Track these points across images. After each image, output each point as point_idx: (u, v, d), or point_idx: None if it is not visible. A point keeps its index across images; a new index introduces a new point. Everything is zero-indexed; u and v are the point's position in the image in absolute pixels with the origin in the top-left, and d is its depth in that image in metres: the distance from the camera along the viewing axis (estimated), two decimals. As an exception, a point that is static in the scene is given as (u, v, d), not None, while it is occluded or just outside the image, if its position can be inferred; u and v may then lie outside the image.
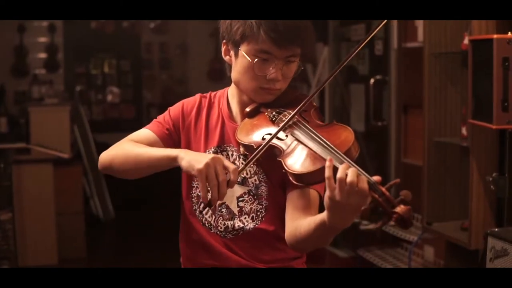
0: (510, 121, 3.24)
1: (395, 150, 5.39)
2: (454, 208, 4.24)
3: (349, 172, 1.75)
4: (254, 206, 2.22)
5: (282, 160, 2.00)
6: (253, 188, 2.22)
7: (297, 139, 2.02)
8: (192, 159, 2.02)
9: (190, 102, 2.37)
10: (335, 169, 1.78)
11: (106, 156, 2.30)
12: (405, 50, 5.19)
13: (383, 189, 1.74)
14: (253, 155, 2.04)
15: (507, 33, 3.25)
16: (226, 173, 1.98)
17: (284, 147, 2.03)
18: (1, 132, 6.01)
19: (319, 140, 1.96)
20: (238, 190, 2.23)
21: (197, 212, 2.29)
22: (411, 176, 5.12)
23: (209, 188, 1.97)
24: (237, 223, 2.23)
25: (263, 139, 2.07)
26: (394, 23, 5.24)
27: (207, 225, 2.27)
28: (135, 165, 2.22)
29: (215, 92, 2.40)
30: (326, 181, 1.78)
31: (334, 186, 1.77)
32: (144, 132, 2.34)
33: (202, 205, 2.25)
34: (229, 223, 2.24)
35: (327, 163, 1.79)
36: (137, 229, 7.02)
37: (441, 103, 4.20)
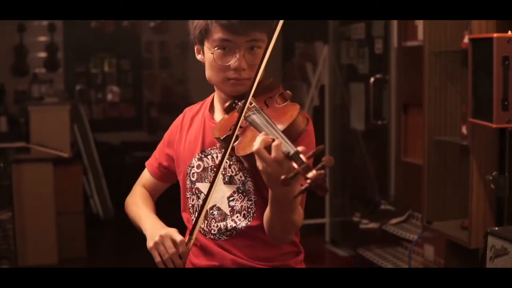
0: (510, 120, 3.24)
1: (395, 149, 5.40)
2: (454, 207, 4.24)
3: (272, 147, 1.85)
4: (244, 203, 2.23)
5: (234, 147, 2.06)
6: (240, 185, 2.23)
7: (250, 123, 2.07)
8: (148, 237, 2.21)
9: (175, 122, 2.46)
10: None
11: (125, 203, 2.50)
12: (405, 49, 5.20)
13: (304, 158, 1.78)
14: (223, 153, 2.10)
15: (507, 32, 3.25)
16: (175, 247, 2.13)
17: (239, 133, 2.09)
18: (1, 131, 6.01)
19: (264, 120, 2.01)
20: (227, 190, 2.25)
21: (194, 221, 2.29)
22: (411, 175, 5.12)
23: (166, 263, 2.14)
24: (230, 223, 2.24)
25: (230, 130, 2.10)
26: (394, 22, 5.25)
27: (201, 231, 2.29)
28: (132, 221, 2.43)
29: (205, 99, 2.44)
30: (256, 157, 1.89)
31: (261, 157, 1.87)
32: (146, 177, 2.53)
33: (197, 213, 2.29)
34: (222, 224, 2.25)
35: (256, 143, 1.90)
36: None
37: (441, 102, 4.20)
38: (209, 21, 2.15)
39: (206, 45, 2.20)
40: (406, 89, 5.21)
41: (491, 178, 3.37)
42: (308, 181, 1.73)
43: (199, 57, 2.30)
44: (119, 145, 8.98)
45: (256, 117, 2.05)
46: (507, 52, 3.21)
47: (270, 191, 1.96)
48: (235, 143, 2.07)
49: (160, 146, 2.49)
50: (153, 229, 2.22)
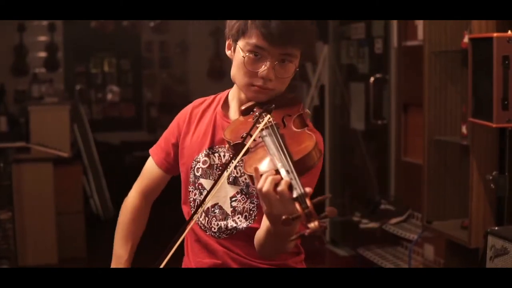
0: (510, 120, 3.24)
1: (395, 149, 5.40)
2: (454, 207, 4.24)
3: (267, 181, 1.82)
4: (247, 205, 2.23)
5: (244, 160, 2.03)
6: (244, 187, 2.23)
7: (263, 140, 2.03)
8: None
9: (183, 114, 2.41)
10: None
11: (119, 216, 2.61)
12: (405, 49, 5.20)
13: (309, 202, 1.75)
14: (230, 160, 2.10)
15: (507, 32, 3.25)
16: None
17: (252, 147, 2.05)
18: (1, 131, 6.00)
19: (278, 145, 1.96)
20: (230, 190, 2.24)
21: (195, 215, 2.29)
22: (411, 175, 5.12)
23: None
24: (230, 223, 2.24)
25: (242, 138, 2.08)
26: (394, 22, 5.24)
27: (202, 227, 2.29)
28: None
29: (217, 94, 2.41)
30: (258, 192, 1.86)
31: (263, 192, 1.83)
32: (151, 169, 2.47)
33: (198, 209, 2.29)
34: (222, 223, 2.25)
35: (254, 174, 1.87)
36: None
37: (441, 101, 4.20)
38: (249, 22, 2.12)
39: (240, 45, 2.17)
40: (406, 89, 5.21)
41: (491, 177, 3.37)
42: (308, 230, 1.71)
43: (228, 53, 2.27)
44: (119, 145, 8.98)
45: (270, 138, 2.00)
46: (507, 51, 3.20)
47: (269, 223, 1.93)
48: (244, 156, 2.04)
49: (166, 135, 2.43)
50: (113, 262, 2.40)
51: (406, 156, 5.25)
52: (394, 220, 5.01)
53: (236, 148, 2.07)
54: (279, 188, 1.79)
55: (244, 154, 2.05)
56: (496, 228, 2.95)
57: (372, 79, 5.52)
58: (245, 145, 2.04)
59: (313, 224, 1.71)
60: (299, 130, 2.09)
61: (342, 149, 6.32)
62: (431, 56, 4.14)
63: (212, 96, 2.40)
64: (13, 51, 8.08)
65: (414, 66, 4.91)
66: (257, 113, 2.15)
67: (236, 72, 2.21)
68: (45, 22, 8.23)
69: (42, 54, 8.30)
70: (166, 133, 2.44)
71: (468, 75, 3.58)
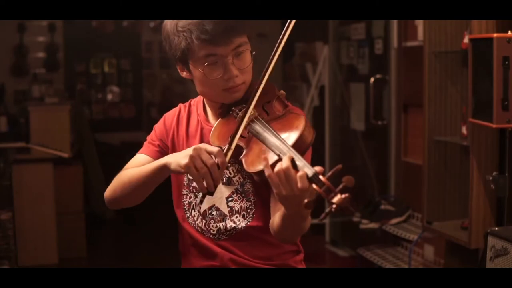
0: (510, 120, 3.24)
1: (395, 149, 5.40)
2: (454, 207, 4.24)
3: (283, 161, 1.82)
4: (244, 204, 2.23)
5: (242, 160, 2.03)
6: (239, 187, 2.23)
7: (254, 135, 2.04)
8: (177, 158, 2.07)
9: (171, 114, 2.41)
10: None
11: (108, 192, 2.35)
12: (405, 49, 5.20)
13: (324, 179, 1.78)
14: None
15: (507, 32, 3.25)
16: (212, 157, 2.01)
17: (244, 145, 2.06)
18: (1, 132, 6.00)
19: (272, 133, 1.98)
20: (225, 190, 2.24)
21: (190, 219, 2.30)
22: (411, 175, 5.12)
23: (203, 178, 2.00)
24: (229, 224, 2.24)
25: (230, 139, 2.08)
26: (394, 22, 5.25)
27: (199, 230, 2.28)
28: (133, 188, 2.26)
29: (194, 99, 2.42)
30: (269, 180, 1.86)
31: (277, 182, 1.84)
32: (138, 158, 2.37)
33: (193, 211, 2.29)
34: (221, 224, 2.25)
35: (263, 163, 1.88)
36: (138, 229, 7.03)
37: (441, 102, 4.20)
38: (189, 39, 2.11)
39: (192, 64, 2.18)
40: (406, 89, 5.21)
41: (491, 178, 3.37)
42: (334, 206, 1.74)
43: (184, 74, 2.27)
44: (119, 145, 8.98)
45: (261, 130, 2.03)
46: (507, 52, 3.21)
47: (284, 207, 1.92)
48: (241, 157, 2.04)
49: (153, 135, 2.39)
50: (178, 153, 2.13)
51: (406, 157, 5.25)
52: (394, 221, 5.01)
53: (226, 153, 2.07)
54: (299, 184, 1.80)
55: (238, 154, 2.05)
56: (496, 228, 2.95)
57: (372, 79, 5.52)
58: (237, 145, 2.05)
59: (336, 199, 1.74)
60: (283, 113, 2.11)
61: (342, 150, 6.32)
62: (431, 57, 4.14)
63: (191, 100, 2.41)
64: (13, 51, 8.07)
65: (414, 66, 4.91)
66: (236, 111, 2.16)
67: (202, 87, 2.22)
68: (45, 22, 8.22)
69: (42, 54, 8.29)
70: (153, 134, 2.40)
71: (468, 76, 3.58)
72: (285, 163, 1.82)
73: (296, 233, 2.09)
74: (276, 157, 1.90)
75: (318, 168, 1.80)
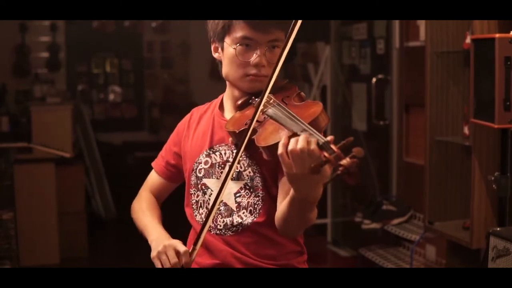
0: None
1: (397, 149, 5.39)
2: (456, 207, 4.24)
3: (299, 139, 1.84)
4: (251, 199, 2.24)
5: (255, 138, 2.06)
6: (248, 181, 2.25)
7: (270, 116, 2.08)
8: (153, 247, 2.23)
9: (182, 121, 2.48)
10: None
11: (131, 210, 2.51)
12: (407, 49, 5.19)
13: (335, 147, 1.79)
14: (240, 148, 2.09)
15: (509, 32, 3.25)
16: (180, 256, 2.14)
17: (258, 127, 2.09)
18: (2, 131, 6.00)
19: (287, 113, 2.02)
20: (234, 186, 2.26)
21: (198, 217, 2.34)
22: (413, 175, 5.12)
23: None
24: (236, 219, 2.25)
25: (246, 124, 2.12)
26: (396, 22, 5.24)
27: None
28: (139, 229, 2.44)
29: (213, 100, 2.46)
30: (280, 158, 1.88)
31: (288, 161, 1.85)
32: (152, 178, 2.53)
33: (201, 209, 2.32)
34: (228, 219, 2.26)
35: (282, 141, 1.89)
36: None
37: (443, 102, 4.20)
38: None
39: (227, 42, 2.23)
40: (408, 89, 5.21)
41: (493, 178, 3.37)
42: (341, 168, 1.74)
43: (216, 55, 2.32)
44: (121, 145, 8.98)
45: (277, 110, 2.07)
46: (509, 52, 3.20)
47: (292, 191, 1.94)
48: (253, 136, 2.07)
49: (167, 145, 2.50)
50: (158, 239, 2.25)
51: (408, 157, 5.25)
52: (396, 221, 5.01)
53: (241, 136, 2.10)
54: (299, 146, 1.83)
55: (251, 136, 2.07)
56: (498, 229, 2.94)
57: (374, 79, 5.52)
58: (250, 128, 2.07)
59: (344, 161, 1.74)
60: (301, 103, 2.16)
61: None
62: (433, 57, 4.14)
63: (209, 103, 2.46)
64: (15, 51, 8.08)
65: (416, 66, 4.90)
66: (256, 100, 2.19)
67: (228, 68, 2.26)
68: (47, 22, 8.23)
69: (44, 54, 8.30)
70: (167, 143, 2.50)
71: (470, 76, 3.58)
72: (300, 142, 1.83)
73: (301, 224, 2.09)
74: (287, 133, 1.92)
75: (329, 137, 1.83)
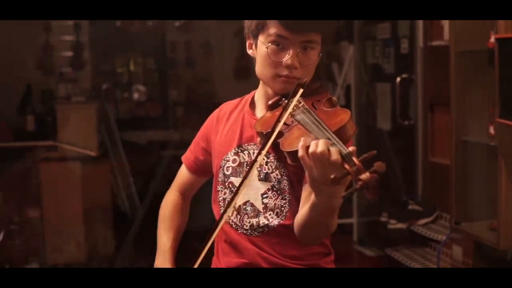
0: (538, 120, 3.22)
1: (422, 149, 5.37)
2: (483, 208, 4.21)
3: (319, 143, 1.83)
4: (278, 201, 2.24)
5: (280, 142, 2.05)
6: (276, 183, 2.24)
7: (297, 121, 2.07)
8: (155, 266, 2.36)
9: (211, 116, 2.47)
10: None
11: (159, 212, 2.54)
12: (431, 49, 5.17)
13: (356, 160, 1.78)
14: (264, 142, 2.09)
15: (534, 31, 3.23)
16: None
17: (286, 131, 2.08)
18: (28, 130, 6.05)
19: (314, 120, 2.01)
20: (261, 187, 2.26)
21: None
22: (438, 175, 5.09)
23: None
24: (262, 220, 2.25)
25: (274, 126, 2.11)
26: (420, 21, 5.22)
27: (233, 225, 2.30)
28: None
29: (244, 96, 2.45)
30: (301, 161, 1.88)
31: (310, 164, 1.85)
32: (182, 173, 2.55)
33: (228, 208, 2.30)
34: (254, 220, 2.26)
35: (300, 143, 1.88)
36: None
37: (468, 101, 4.17)
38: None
39: (261, 39, 2.21)
40: (432, 89, 5.19)
41: (519, 178, 3.35)
42: (360, 182, 1.73)
43: (250, 52, 2.31)
44: (146, 144, 9.01)
45: (305, 116, 2.05)
46: (535, 51, 3.18)
47: (313, 196, 1.94)
48: (280, 139, 2.06)
49: (195, 139, 2.50)
50: (158, 259, 2.39)
51: (434, 157, 5.23)
52: (422, 221, 4.99)
53: (268, 137, 2.09)
54: (319, 149, 1.83)
55: (278, 139, 2.06)
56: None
57: (398, 79, 5.50)
58: (279, 132, 2.06)
59: (364, 175, 1.73)
60: (331, 109, 2.14)
61: (368, 149, 6.19)
62: (457, 56, 4.12)
63: (239, 98, 2.44)
64: (39, 50, 8.12)
65: (440, 66, 4.88)
66: (286, 101, 2.17)
67: (261, 66, 2.24)
68: (70, 22, 8.26)
69: (68, 53, 8.34)
70: (196, 138, 2.50)
71: (494, 75, 3.55)
72: (321, 146, 1.83)
73: (321, 230, 2.09)
74: (312, 139, 1.91)
75: (351, 148, 1.82)
